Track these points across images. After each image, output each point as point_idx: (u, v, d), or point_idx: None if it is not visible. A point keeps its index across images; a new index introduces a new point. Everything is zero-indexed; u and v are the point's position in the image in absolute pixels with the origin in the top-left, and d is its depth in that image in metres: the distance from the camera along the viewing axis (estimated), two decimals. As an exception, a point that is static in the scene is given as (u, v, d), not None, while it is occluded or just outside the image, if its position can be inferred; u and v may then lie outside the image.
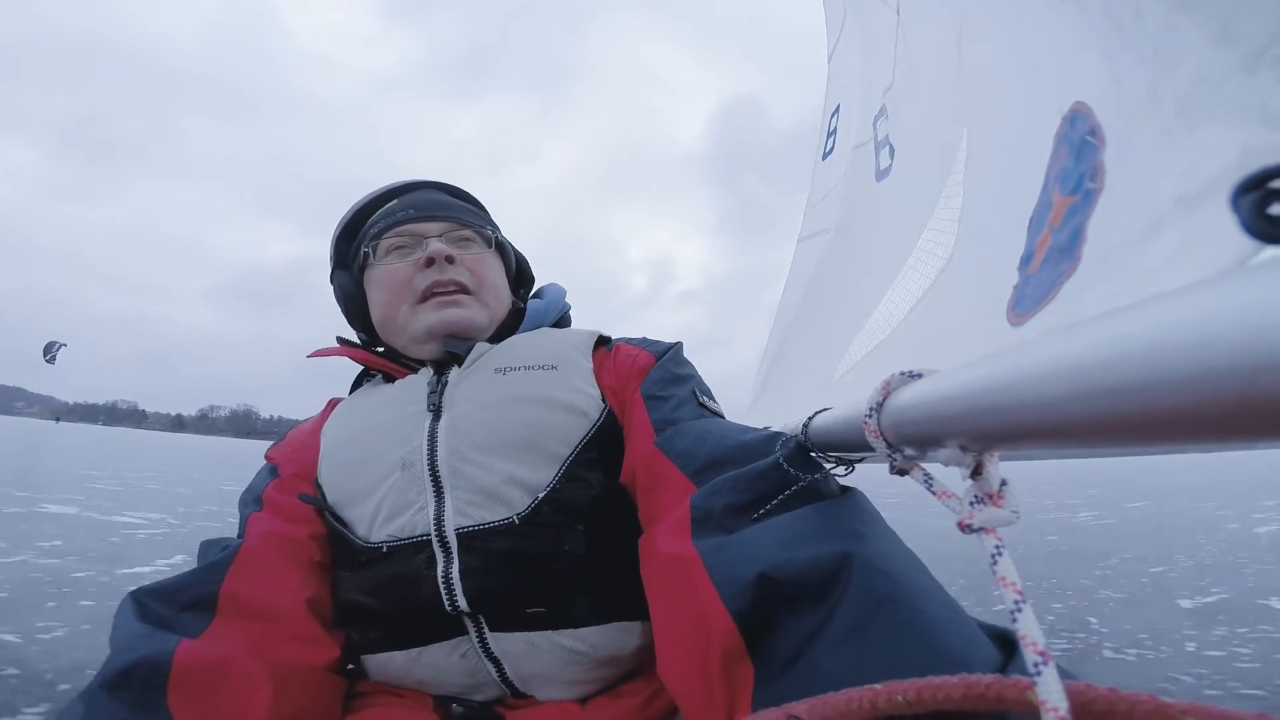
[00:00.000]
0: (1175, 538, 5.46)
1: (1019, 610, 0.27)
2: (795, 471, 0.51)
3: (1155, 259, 0.33)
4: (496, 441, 0.70)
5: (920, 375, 0.37)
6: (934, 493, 0.35)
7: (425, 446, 0.70)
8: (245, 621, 0.61)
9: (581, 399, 0.73)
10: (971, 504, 0.32)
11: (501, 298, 0.85)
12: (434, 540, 0.66)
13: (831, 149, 1.98)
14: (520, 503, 0.67)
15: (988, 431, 0.29)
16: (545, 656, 0.64)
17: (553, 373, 0.75)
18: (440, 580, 0.65)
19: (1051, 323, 0.44)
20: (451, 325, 0.78)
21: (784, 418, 0.91)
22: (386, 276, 0.81)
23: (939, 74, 0.99)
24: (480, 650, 0.65)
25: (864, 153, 1.55)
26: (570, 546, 0.66)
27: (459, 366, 0.77)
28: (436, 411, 0.73)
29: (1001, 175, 0.68)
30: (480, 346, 0.78)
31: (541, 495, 0.67)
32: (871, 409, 0.38)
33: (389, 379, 0.83)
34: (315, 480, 0.76)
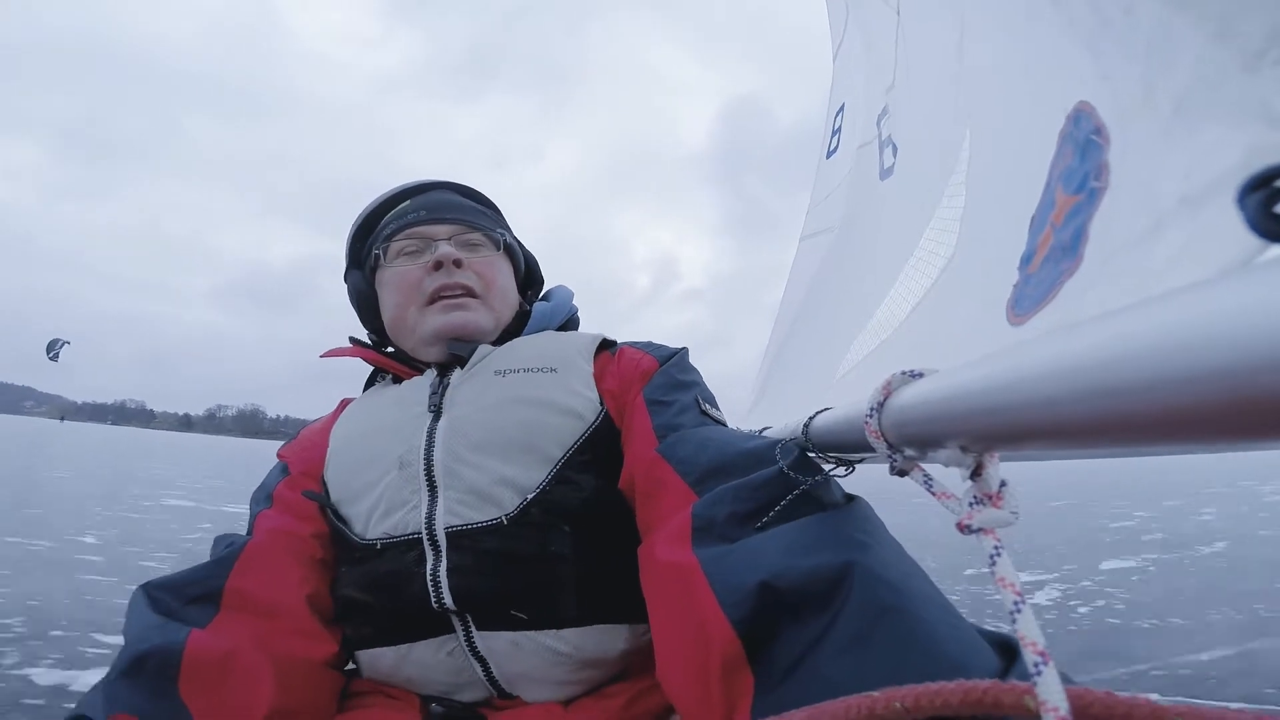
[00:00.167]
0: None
1: (1018, 611, 0.27)
2: (798, 476, 0.51)
3: (1159, 258, 0.33)
4: (491, 442, 0.70)
5: (921, 375, 0.37)
6: (933, 493, 0.35)
7: (423, 446, 0.71)
8: (248, 616, 0.63)
9: (578, 402, 0.74)
10: (971, 505, 0.32)
11: (508, 300, 0.86)
12: (425, 538, 0.67)
13: (836, 148, 1.98)
14: (510, 503, 0.67)
15: (988, 432, 0.29)
16: (530, 657, 0.64)
17: (552, 375, 0.75)
18: (429, 578, 0.65)
19: (1051, 322, 0.44)
20: (457, 328, 0.79)
21: (785, 417, 0.91)
22: (396, 279, 0.82)
23: (940, 73, 0.99)
24: (466, 649, 0.65)
25: (868, 152, 1.54)
26: (556, 547, 0.66)
27: (462, 368, 0.78)
28: (437, 412, 0.74)
29: (1003, 174, 0.67)
30: (483, 349, 0.79)
31: (530, 496, 0.67)
32: (872, 409, 0.38)
33: (399, 380, 0.85)
34: (322, 478, 0.77)
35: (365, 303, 0.88)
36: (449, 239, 0.83)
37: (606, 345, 0.83)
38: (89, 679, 2.22)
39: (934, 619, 0.37)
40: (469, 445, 0.71)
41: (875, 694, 0.28)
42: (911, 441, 0.36)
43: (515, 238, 0.93)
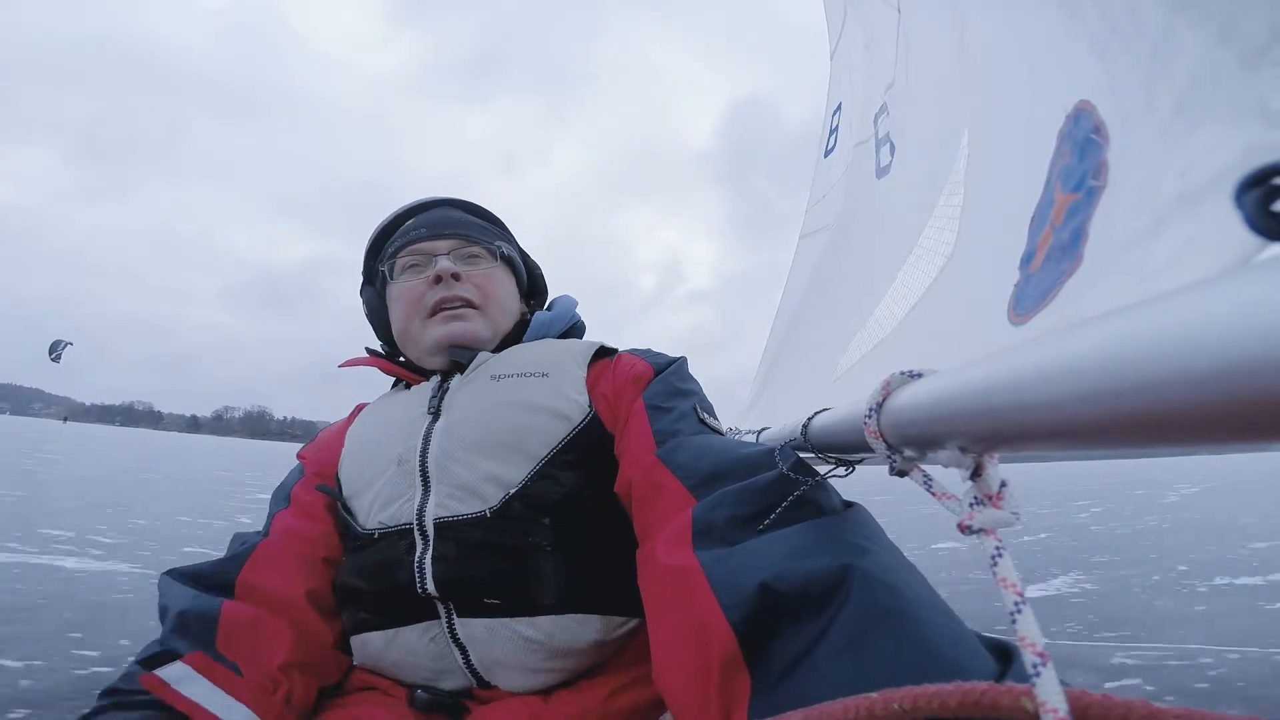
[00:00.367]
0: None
1: (1019, 611, 0.27)
2: (798, 477, 0.51)
3: (1158, 257, 0.33)
4: (482, 441, 0.75)
5: (920, 375, 0.37)
6: (933, 494, 0.35)
7: (420, 445, 0.77)
8: (255, 606, 0.70)
9: (566, 404, 0.78)
10: (971, 505, 0.31)
11: (507, 309, 0.91)
12: (415, 529, 0.72)
13: (833, 146, 1.98)
14: (494, 497, 0.71)
15: (988, 433, 0.29)
16: (504, 643, 0.67)
17: (543, 379, 0.80)
18: (416, 565, 0.70)
19: (1052, 322, 0.44)
20: (457, 337, 0.85)
21: (783, 417, 0.91)
22: (401, 293, 0.88)
23: (941, 72, 0.99)
24: (448, 635, 0.69)
25: (865, 150, 1.54)
26: (534, 539, 0.69)
27: (461, 374, 0.83)
28: (436, 414, 0.80)
29: (1003, 173, 0.67)
30: (481, 355, 0.84)
31: (512, 491, 0.71)
32: (871, 409, 0.38)
33: (410, 386, 0.90)
34: (336, 475, 0.83)
35: (377, 316, 0.95)
36: (449, 254, 0.88)
37: (606, 353, 0.87)
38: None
39: (932, 622, 0.37)
40: (461, 444, 0.75)
41: (873, 695, 0.28)
42: (911, 442, 0.36)
43: (518, 250, 0.99)
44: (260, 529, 0.82)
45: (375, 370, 0.93)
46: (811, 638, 0.39)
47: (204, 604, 0.67)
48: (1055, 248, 0.45)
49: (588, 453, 0.75)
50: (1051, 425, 0.24)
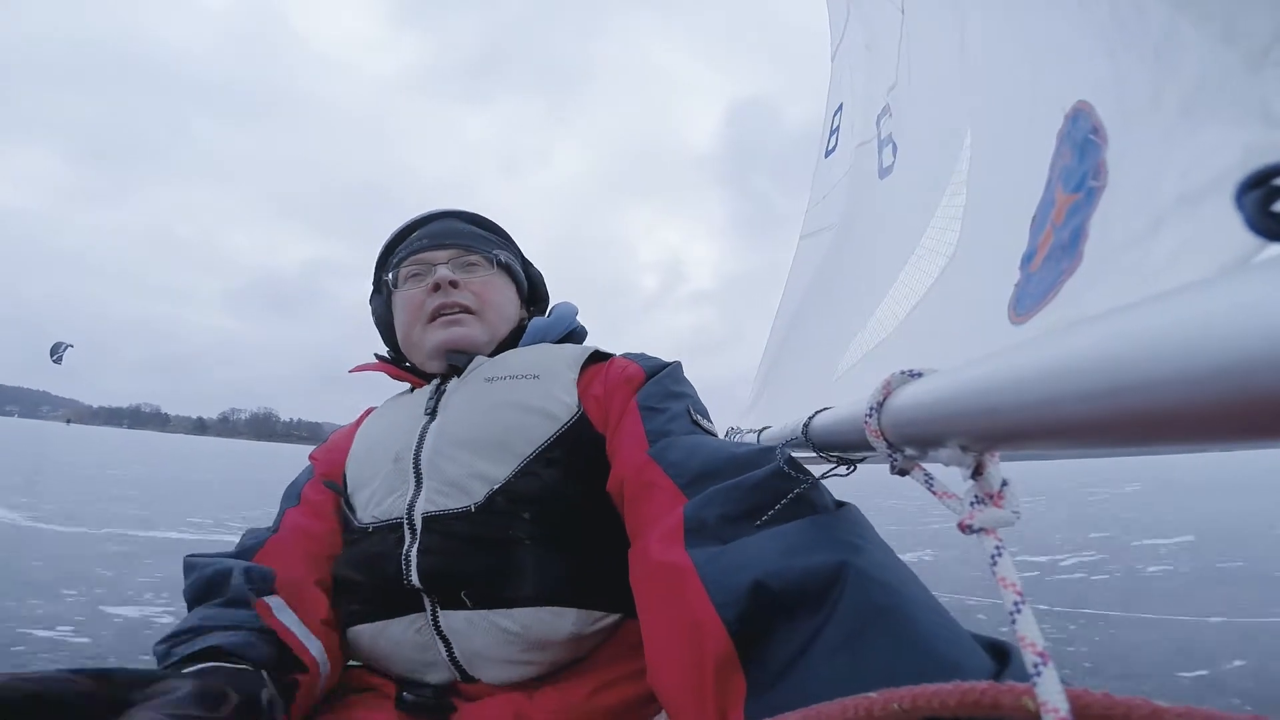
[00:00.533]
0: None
1: (1018, 611, 0.27)
2: (796, 475, 0.51)
3: (1158, 257, 0.33)
4: (472, 440, 0.78)
5: (921, 374, 0.37)
6: (934, 493, 0.35)
7: (415, 443, 0.80)
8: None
9: (554, 405, 0.80)
10: (972, 504, 0.31)
11: (504, 314, 0.95)
12: (405, 523, 0.75)
13: (834, 147, 1.98)
14: (479, 493, 0.74)
15: (988, 432, 0.29)
16: (483, 635, 0.69)
17: (534, 381, 0.83)
18: (403, 558, 0.72)
19: (1053, 321, 0.44)
20: (454, 342, 0.89)
21: (784, 416, 0.91)
22: (404, 301, 0.93)
23: (943, 72, 0.99)
24: (432, 627, 0.71)
25: (867, 151, 1.54)
26: (514, 532, 0.72)
27: (458, 377, 0.87)
28: (432, 414, 0.84)
29: (1004, 173, 0.67)
30: (478, 359, 0.88)
31: (496, 487, 0.74)
32: (872, 409, 0.38)
33: (415, 389, 0.95)
34: (343, 474, 0.88)
35: (384, 323, 1.00)
36: (448, 262, 0.92)
37: (600, 357, 0.90)
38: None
39: (927, 620, 0.37)
40: (452, 442, 0.78)
41: (873, 695, 0.28)
42: (911, 441, 0.36)
43: (518, 257, 1.03)
44: (271, 525, 0.85)
45: (383, 374, 0.98)
46: (807, 636, 0.39)
47: (260, 568, 0.72)
48: (1055, 247, 0.45)
49: (574, 452, 0.78)
50: (1052, 424, 0.24)
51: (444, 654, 0.70)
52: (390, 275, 0.96)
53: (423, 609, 0.71)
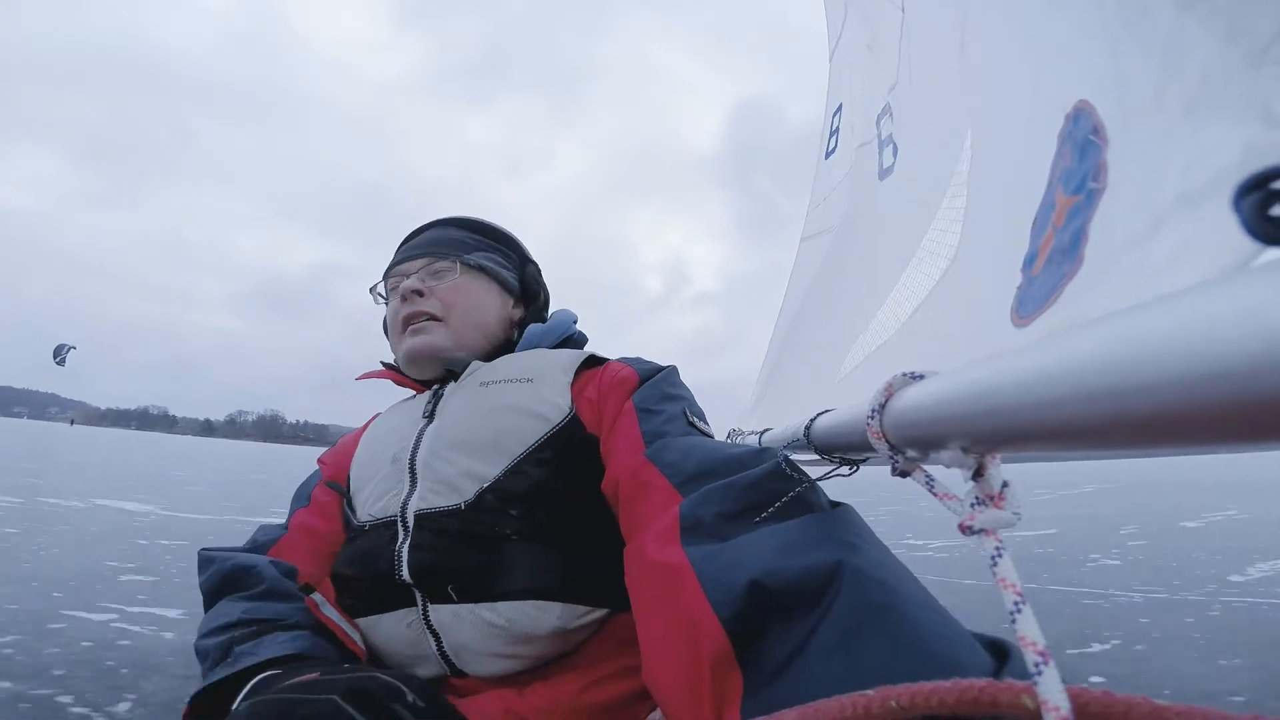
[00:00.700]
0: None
1: (1019, 611, 0.27)
2: (788, 475, 0.51)
3: (1158, 259, 0.33)
4: (466, 441, 0.81)
5: (922, 377, 0.37)
6: (935, 494, 0.35)
7: (412, 445, 0.84)
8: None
9: (546, 407, 0.82)
10: (973, 505, 0.32)
11: (474, 318, 0.96)
12: (399, 520, 0.78)
13: (834, 148, 1.98)
14: (469, 491, 0.77)
15: (989, 434, 0.29)
16: (469, 628, 0.71)
17: (527, 385, 0.85)
18: (396, 553, 0.75)
19: (1055, 324, 0.44)
20: (418, 350, 0.92)
21: (786, 419, 0.91)
22: (389, 313, 0.99)
23: (944, 72, 0.99)
24: (423, 621, 0.73)
25: (867, 152, 1.54)
26: (500, 528, 0.74)
27: (455, 382, 0.91)
28: (430, 417, 0.87)
29: (1005, 174, 0.67)
30: (474, 364, 0.91)
31: (486, 485, 0.76)
32: (874, 410, 0.38)
33: (417, 395, 0.99)
34: (347, 476, 0.92)
35: (386, 334, 1.04)
36: (418, 272, 0.96)
37: (595, 361, 0.91)
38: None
39: (925, 619, 0.37)
40: (447, 444, 0.81)
41: (870, 693, 0.28)
42: (913, 443, 0.36)
43: (513, 258, 1.05)
44: (282, 524, 0.91)
45: (390, 380, 1.02)
46: (803, 635, 0.39)
47: (284, 564, 0.79)
48: (1056, 250, 0.45)
49: (564, 452, 0.80)
50: (1052, 426, 0.24)
51: (434, 648, 0.72)
52: (380, 290, 1.02)
53: (414, 604, 0.73)
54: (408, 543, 0.75)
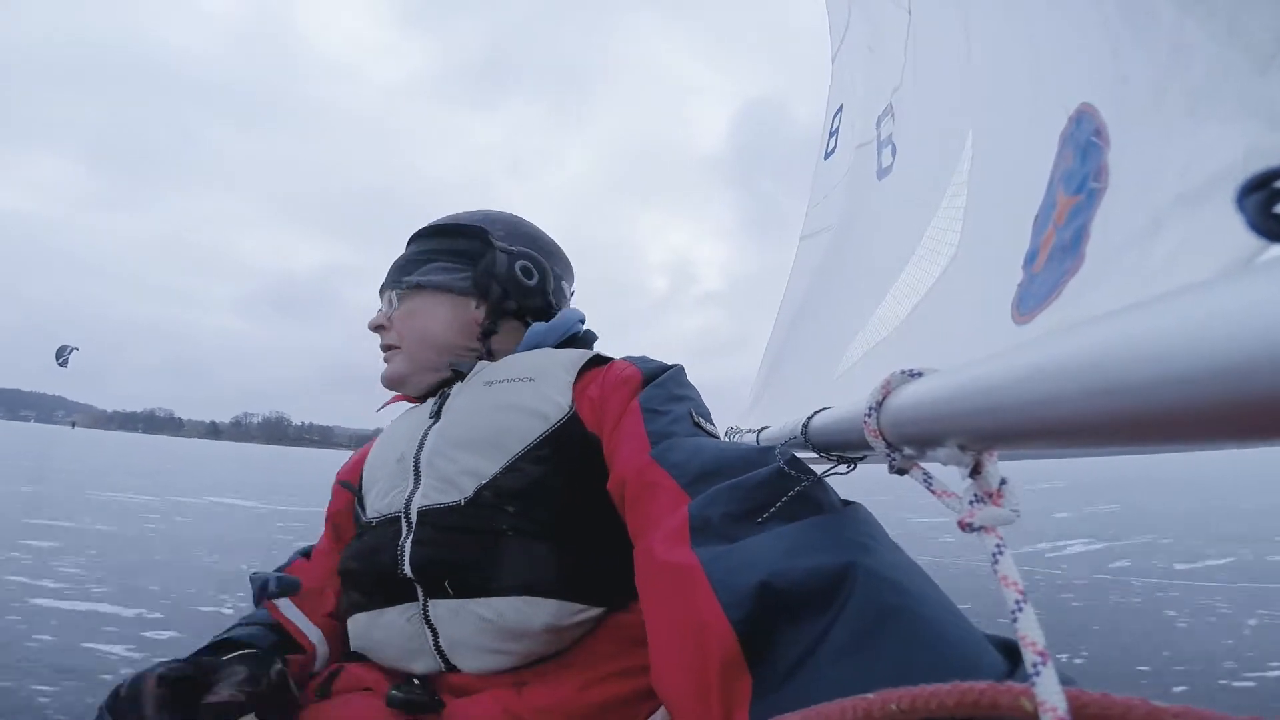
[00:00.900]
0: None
1: (1019, 610, 0.27)
2: (797, 474, 0.51)
3: (1158, 257, 0.33)
4: (468, 439, 0.83)
5: (920, 374, 0.37)
6: (933, 492, 0.35)
7: (417, 444, 0.86)
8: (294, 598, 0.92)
9: (547, 405, 0.83)
10: (971, 503, 0.31)
11: (429, 337, 0.97)
12: (402, 516, 0.80)
13: (834, 148, 1.98)
14: (469, 488, 0.78)
15: (987, 431, 0.29)
16: (463, 623, 0.72)
17: (529, 384, 0.86)
18: (398, 549, 0.77)
19: (1056, 321, 0.44)
20: (387, 380, 0.98)
21: (784, 416, 0.91)
22: None
23: (946, 74, 0.99)
24: (422, 616, 0.74)
25: (866, 152, 1.54)
26: (497, 524, 0.75)
27: (460, 382, 0.93)
28: (436, 417, 0.89)
29: (1006, 174, 0.67)
30: (480, 365, 0.93)
31: (484, 482, 0.78)
32: (871, 408, 0.38)
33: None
34: (360, 476, 0.96)
35: None
36: (385, 304, 1.00)
37: (599, 361, 0.91)
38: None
39: (938, 619, 0.37)
40: (450, 442, 0.83)
41: (870, 696, 0.27)
42: (910, 440, 0.36)
43: (456, 259, 1.00)
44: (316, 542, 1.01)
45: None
46: (814, 637, 0.38)
47: (288, 578, 0.88)
48: (1058, 247, 0.45)
49: (563, 450, 0.80)
50: (1050, 423, 0.24)
51: (430, 643, 0.73)
52: None
53: (415, 598, 0.75)
54: (410, 538, 0.77)
